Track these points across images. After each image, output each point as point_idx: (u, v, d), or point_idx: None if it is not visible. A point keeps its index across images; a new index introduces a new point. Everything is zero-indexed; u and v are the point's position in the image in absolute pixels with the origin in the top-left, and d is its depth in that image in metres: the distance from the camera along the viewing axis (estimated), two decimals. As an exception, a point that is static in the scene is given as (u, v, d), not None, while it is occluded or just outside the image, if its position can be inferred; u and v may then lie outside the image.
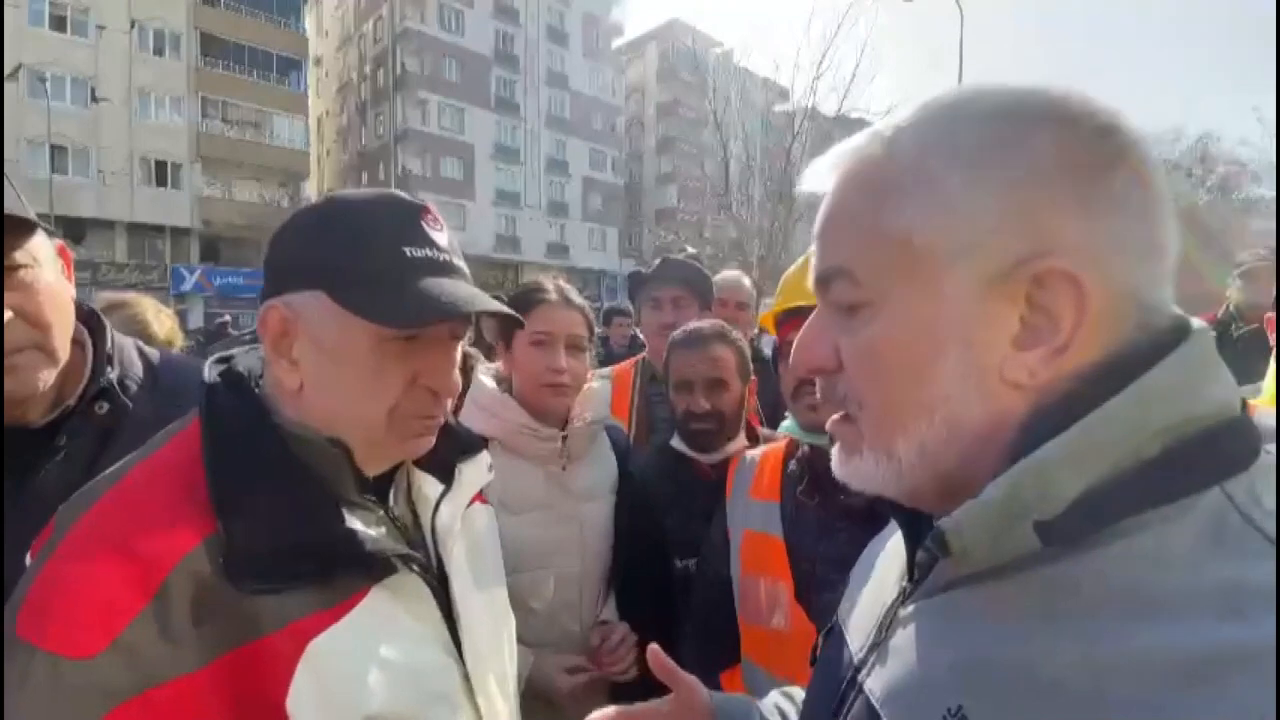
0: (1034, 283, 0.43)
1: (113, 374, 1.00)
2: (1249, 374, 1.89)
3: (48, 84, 21.78)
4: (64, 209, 21.44)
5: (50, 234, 0.94)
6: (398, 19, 32.89)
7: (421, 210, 0.76)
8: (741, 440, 1.66)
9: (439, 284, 0.73)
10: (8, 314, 0.85)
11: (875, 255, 0.47)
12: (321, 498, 0.71)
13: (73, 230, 21.90)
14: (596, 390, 1.57)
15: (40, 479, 0.91)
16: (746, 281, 2.80)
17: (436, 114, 33.59)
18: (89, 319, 1.03)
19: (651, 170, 44.87)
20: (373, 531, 0.74)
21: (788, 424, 1.35)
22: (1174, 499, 0.40)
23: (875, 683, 0.51)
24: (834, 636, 0.64)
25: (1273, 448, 0.42)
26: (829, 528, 1.22)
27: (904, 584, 0.54)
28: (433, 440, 0.82)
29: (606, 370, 2.35)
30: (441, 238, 0.76)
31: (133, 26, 23.87)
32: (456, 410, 1.40)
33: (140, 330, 1.98)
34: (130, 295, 2.30)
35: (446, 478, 0.89)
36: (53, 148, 21.85)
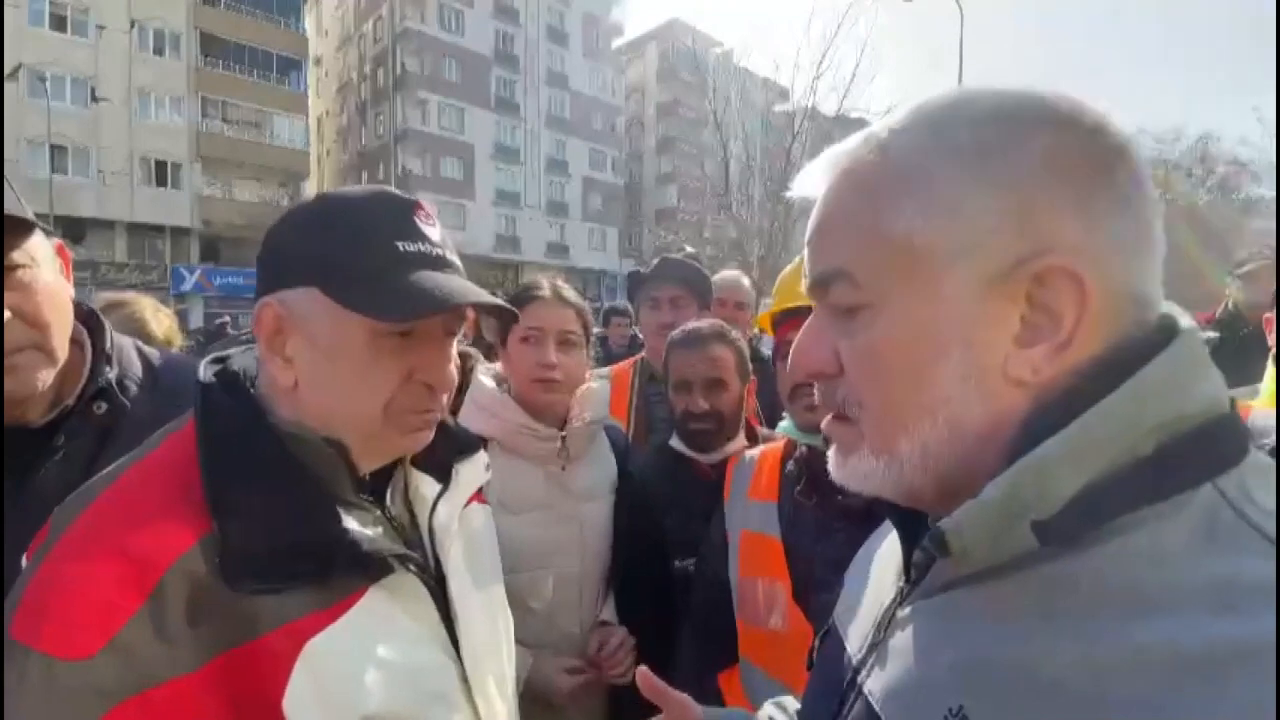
0: (1034, 281, 0.43)
1: (111, 374, 1.00)
2: (1255, 374, 1.89)
3: (48, 84, 21.77)
4: (64, 209, 21.45)
5: (48, 234, 0.94)
6: (398, 19, 32.88)
7: (414, 205, 0.76)
8: (741, 440, 1.66)
9: (432, 277, 0.72)
10: (6, 314, 0.85)
11: (875, 257, 0.47)
12: (318, 498, 0.71)
13: (73, 230, 21.92)
14: (596, 390, 1.57)
15: (39, 479, 0.91)
16: (745, 281, 2.80)
17: (436, 114, 33.59)
18: (88, 319, 1.03)
19: (651, 170, 44.89)
20: (369, 531, 0.73)
21: (785, 425, 1.35)
22: (1168, 496, 0.40)
23: (875, 684, 0.51)
24: (831, 638, 0.64)
25: (1268, 444, 0.42)
26: (827, 528, 1.22)
27: (901, 585, 0.54)
28: (431, 435, 0.82)
29: (605, 370, 2.35)
30: (434, 232, 0.76)
31: (133, 26, 23.87)
32: (455, 410, 1.40)
33: (138, 329, 1.98)
34: (129, 295, 2.30)
35: (444, 477, 0.89)
36: (53, 147, 21.83)
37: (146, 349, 1.11)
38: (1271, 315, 1.85)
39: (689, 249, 3.62)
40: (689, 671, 1.40)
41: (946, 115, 0.47)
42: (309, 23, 32.49)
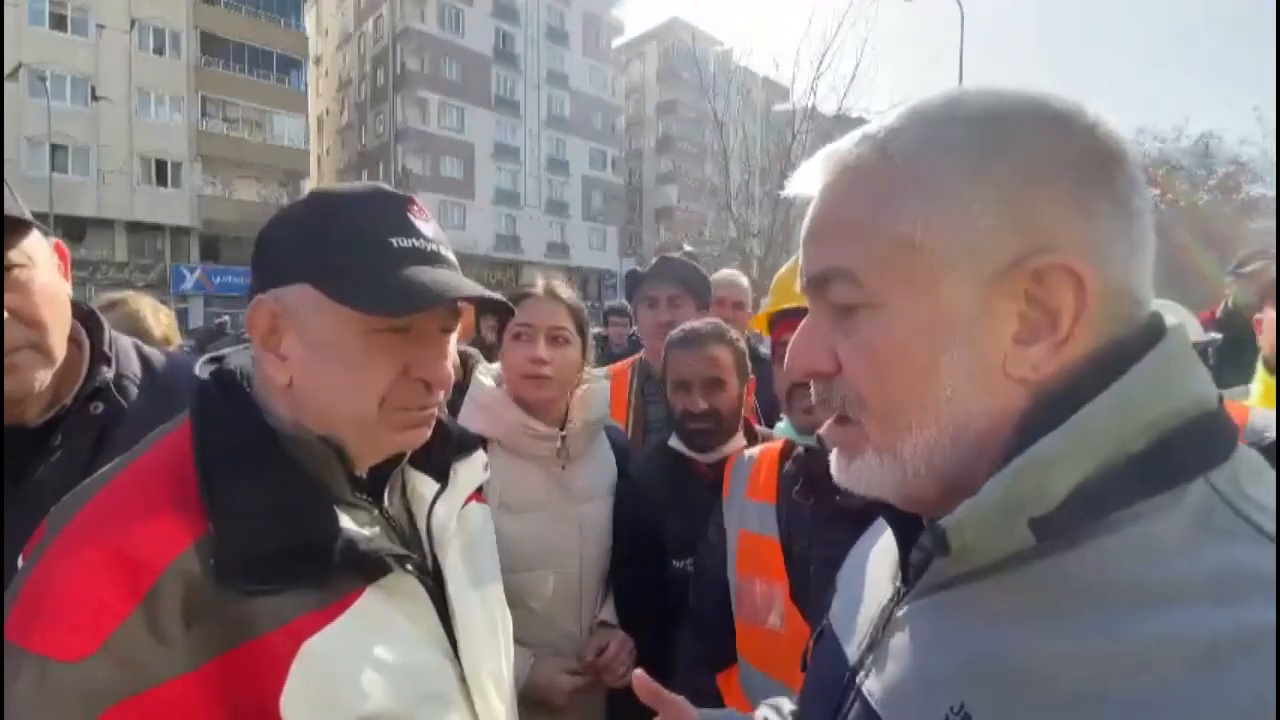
0: (1033, 279, 0.44)
1: (109, 373, 1.00)
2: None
3: (48, 83, 21.74)
4: (64, 208, 21.44)
5: (45, 233, 0.93)
6: (398, 18, 32.87)
7: (407, 201, 0.76)
8: (740, 440, 1.65)
9: (426, 272, 0.72)
10: (4, 314, 0.85)
11: (875, 256, 0.47)
12: (314, 498, 0.71)
13: (72, 229, 21.92)
14: (596, 390, 1.57)
15: (37, 479, 0.91)
16: (744, 281, 2.80)
17: (436, 113, 33.56)
18: (87, 318, 1.03)
19: (651, 170, 44.86)
20: (367, 531, 0.73)
21: (782, 425, 1.35)
22: (1161, 491, 0.41)
23: (874, 685, 0.51)
24: (826, 639, 0.63)
25: (1268, 438, 0.42)
26: (825, 528, 1.21)
27: (898, 584, 0.54)
28: (428, 432, 0.81)
29: (603, 370, 2.35)
30: (428, 228, 0.76)
31: (133, 25, 23.85)
32: (455, 411, 1.40)
33: (137, 328, 1.98)
34: (128, 294, 2.29)
35: (442, 477, 0.89)
36: (53, 147, 21.82)
37: (147, 349, 1.11)
38: (1261, 317, 1.85)
39: (688, 247, 3.61)
40: (688, 670, 1.40)
41: (944, 115, 0.47)
42: (309, 22, 32.49)
